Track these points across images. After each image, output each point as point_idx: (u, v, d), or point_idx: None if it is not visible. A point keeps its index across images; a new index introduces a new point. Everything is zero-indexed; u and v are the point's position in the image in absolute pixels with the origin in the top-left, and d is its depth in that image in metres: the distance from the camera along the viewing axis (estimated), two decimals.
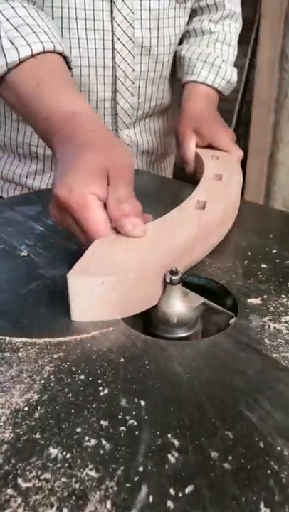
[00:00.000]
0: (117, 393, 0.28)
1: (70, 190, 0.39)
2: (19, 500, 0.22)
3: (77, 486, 0.22)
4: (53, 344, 0.33)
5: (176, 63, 0.84)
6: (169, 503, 0.21)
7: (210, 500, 0.22)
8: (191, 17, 0.84)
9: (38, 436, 0.25)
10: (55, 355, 0.32)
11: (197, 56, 0.80)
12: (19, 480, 0.23)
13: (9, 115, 0.78)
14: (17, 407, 0.27)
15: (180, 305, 0.37)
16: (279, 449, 0.25)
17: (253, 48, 2.53)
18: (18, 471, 0.23)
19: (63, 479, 0.23)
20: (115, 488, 0.22)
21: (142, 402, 0.28)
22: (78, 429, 0.26)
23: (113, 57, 0.71)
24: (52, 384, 0.29)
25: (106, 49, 0.70)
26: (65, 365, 0.31)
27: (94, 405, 0.27)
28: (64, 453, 0.24)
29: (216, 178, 0.57)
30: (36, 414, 0.27)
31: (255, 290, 0.41)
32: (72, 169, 0.41)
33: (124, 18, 0.69)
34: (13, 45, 0.52)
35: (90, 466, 0.23)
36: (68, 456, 0.24)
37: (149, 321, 0.37)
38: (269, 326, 0.35)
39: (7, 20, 0.53)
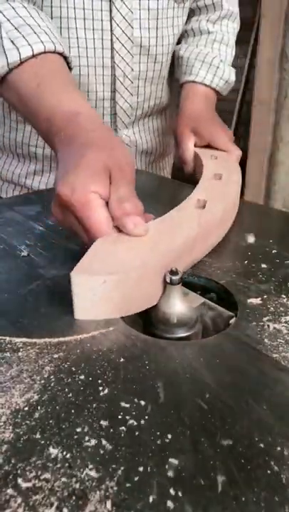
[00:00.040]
0: (117, 393, 0.28)
1: (73, 189, 0.39)
2: (19, 500, 0.22)
3: (77, 486, 0.22)
4: (53, 344, 0.33)
5: (175, 63, 0.84)
6: (169, 503, 0.21)
7: (210, 500, 0.22)
8: (189, 17, 0.84)
9: (38, 436, 0.25)
10: (55, 355, 0.32)
11: (195, 56, 0.80)
12: (19, 480, 0.23)
13: (8, 115, 0.78)
14: (17, 407, 0.27)
15: (180, 305, 0.37)
16: (279, 449, 0.25)
17: (253, 47, 2.53)
18: (18, 471, 0.23)
19: (63, 479, 0.23)
20: (115, 488, 0.22)
21: (142, 402, 0.28)
22: (78, 429, 0.26)
23: (112, 57, 0.71)
24: (52, 384, 0.29)
25: (105, 49, 0.70)
26: (65, 365, 0.31)
27: (94, 405, 0.27)
28: (64, 453, 0.24)
29: (215, 178, 0.57)
30: (36, 414, 0.27)
31: (255, 290, 0.41)
32: (74, 168, 0.41)
33: (123, 17, 0.69)
34: (15, 46, 0.52)
35: (90, 466, 0.23)
36: (68, 456, 0.24)
37: (149, 321, 0.37)
38: (269, 326, 0.35)
39: (8, 20, 0.53)
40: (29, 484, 0.22)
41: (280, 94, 1.81)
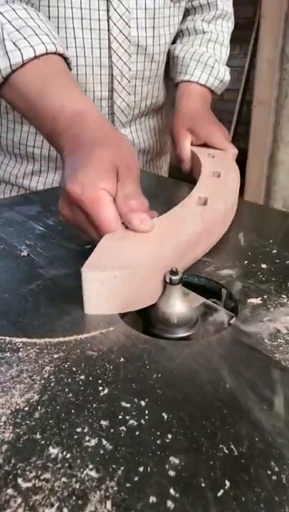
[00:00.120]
0: (117, 393, 0.28)
1: (83, 187, 0.40)
2: (19, 500, 0.22)
3: (77, 486, 0.22)
4: (53, 344, 0.33)
5: (170, 62, 0.84)
6: (169, 503, 0.21)
7: (210, 500, 0.22)
8: (184, 16, 0.84)
9: (38, 436, 0.25)
10: (56, 355, 0.32)
11: (190, 56, 0.80)
12: (19, 480, 0.23)
13: (5, 115, 0.78)
14: (17, 407, 0.27)
15: (180, 305, 0.37)
16: (279, 449, 0.25)
17: (253, 47, 2.53)
18: (18, 471, 0.23)
19: (63, 479, 0.23)
20: (115, 489, 0.22)
21: (142, 402, 0.28)
22: (78, 429, 0.26)
23: (110, 57, 0.72)
24: (52, 384, 0.29)
25: (102, 48, 0.71)
26: (65, 365, 0.31)
27: (94, 405, 0.27)
28: (64, 453, 0.24)
29: (214, 176, 0.57)
30: (36, 414, 0.27)
31: (256, 290, 0.41)
32: (83, 166, 0.41)
33: (121, 17, 0.69)
34: (17, 47, 0.52)
35: (90, 466, 0.23)
36: (68, 456, 0.24)
37: (149, 321, 0.37)
38: (269, 326, 0.35)
39: (9, 22, 0.53)
40: (29, 484, 0.22)
41: (280, 94, 1.81)
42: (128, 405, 0.27)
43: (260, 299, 0.39)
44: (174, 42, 0.85)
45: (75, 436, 0.25)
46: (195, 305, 0.38)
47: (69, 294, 0.40)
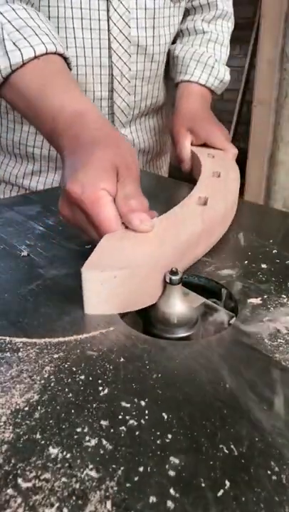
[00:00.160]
0: (117, 393, 0.28)
1: (83, 186, 0.40)
2: (19, 500, 0.22)
3: (77, 486, 0.22)
4: (53, 344, 0.33)
5: (170, 62, 0.84)
6: (169, 503, 0.21)
7: (210, 500, 0.22)
8: (184, 16, 0.85)
9: (38, 436, 0.25)
10: (56, 355, 0.32)
11: (190, 56, 0.80)
12: (19, 480, 0.23)
13: (5, 115, 0.78)
14: (17, 407, 0.27)
15: (180, 305, 0.37)
16: (279, 449, 0.25)
17: (253, 47, 2.53)
18: (18, 471, 0.23)
19: (63, 479, 0.23)
20: (115, 489, 0.22)
21: (142, 402, 0.28)
22: (78, 429, 0.26)
23: (110, 57, 0.72)
24: (52, 384, 0.29)
25: (102, 48, 0.71)
26: (65, 365, 0.31)
27: (94, 405, 0.27)
28: (64, 453, 0.24)
29: (214, 176, 0.58)
30: (36, 414, 0.27)
31: (256, 290, 0.41)
32: (83, 166, 0.42)
33: (121, 17, 0.69)
34: (17, 47, 0.52)
35: (90, 466, 0.23)
36: (68, 456, 0.24)
37: (149, 321, 0.37)
38: (269, 326, 0.35)
39: (9, 22, 0.53)
40: (29, 484, 0.22)
41: (280, 94, 1.81)
42: (128, 405, 0.27)
43: (260, 299, 0.39)
44: (174, 42, 0.85)
45: (75, 436, 0.25)
46: (195, 305, 0.38)
47: (69, 294, 0.40)
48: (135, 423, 0.26)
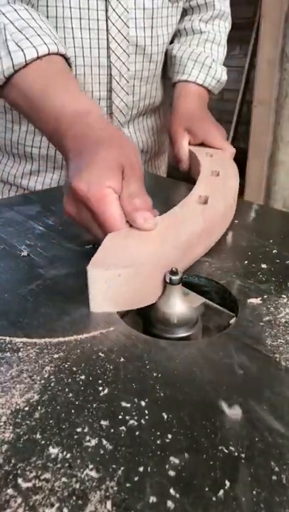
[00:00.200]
0: (117, 393, 0.28)
1: (89, 184, 0.40)
2: (19, 500, 0.22)
3: (77, 486, 0.22)
4: (53, 344, 0.33)
5: (168, 62, 0.85)
6: (169, 503, 0.21)
7: (210, 500, 0.22)
8: (181, 16, 0.85)
9: (38, 436, 0.25)
10: (56, 355, 0.32)
11: (188, 55, 0.81)
12: (19, 480, 0.23)
13: (3, 115, 0.78)
14: (17, 407, 0.27)
15: (180, 305, 0.37)
16: (279, 449, 0.25)
17: (254, 47, 2.53)
18: (19, 471, 0.23)
19: (63, 479, 0.23)
20: (115, 489, 0.22)
21: (142, 402, 0.28)
22: (78, 429, 0.26)
23: (108, 57, 0.72)
24: (52, 384, 0.29)
25: (101, 48, 0.71)
26: (66, 365, 0.31)
27: (94, 405, 0.27)
28: (64, 453, 0.24)
29: (213, 175, 0.58)
30: (36, 414, 0.27)
31: (256, 290, 0.41)
32: (89, 165, 0.42)
33: (119, 17, 0.69)
34: (19, 48, 0.52)
35: (91, 466, 0.23)
36: (68, 456, 0.24)
37: (149, 321, 0.37)
38: (269, 326, 0.35)
39: (11, 22, 0.54)
40: (29, 484, 0.22)
41: (280, 94, 1.81)
42: (128, 405, 0.27)
43: (260, 299, 0.39)
44: (171, 42, 0.85)
45: (75, 436, 0.25)
46: (195, 305, 0.38)
47: (69, 294, 0.40)
48: (135, 423, 0.26)
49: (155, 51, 0.78)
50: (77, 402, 0.28)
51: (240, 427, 0.26)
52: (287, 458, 0.24)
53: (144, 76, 0.78)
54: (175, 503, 0.21)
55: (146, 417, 0.26)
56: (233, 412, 0.27)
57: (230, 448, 0.24)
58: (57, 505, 0.21)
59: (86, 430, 0.26)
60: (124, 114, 0.78)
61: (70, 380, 0.29)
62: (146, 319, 0.38)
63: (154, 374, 0.30)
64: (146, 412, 0.27)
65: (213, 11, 0.85)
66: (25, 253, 0.47)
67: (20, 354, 0.32)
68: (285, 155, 1.87)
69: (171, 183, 0.76)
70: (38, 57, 0.53)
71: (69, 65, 0.58)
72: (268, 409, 0.27)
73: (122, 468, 0.23)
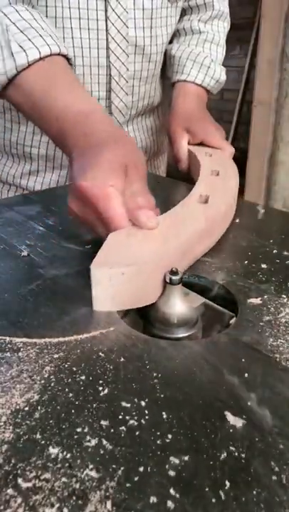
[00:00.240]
0: (117, 393, 0.28)
1: (93, 184, 0.41)
2: (19, 500, 0.22)
3: (77, 486, 0.22)
4: (53, 344, 0.33)
5: (166, 62, 0.85)
6: (169, 503, 0.21)
7: (210, 500, 0.22)
8: (180, 16, 0.85)
9: (38, 436, 0.25)
10: (56, 355, 0.32)
11: (187, 56, 0.81)
12: (19, 480, 0.23)
13: (2, 115, 0.78)
14: (17, 407, 0.27)
15: (180, 305, 0.37)
16: (279, 449, 0.25)
17: (254, 47, 2.53)
18: (19, 471, 0.23)
19: (63, 479, 0.23)
20: (116, 489, 0.22)
21: (142, 402, 0.28)
22: (78, 429, 0.26)
23: (107, 57, 0.72)
24: (52, 384, 0.29)
25: (100, 48, 0.71)
26: (66, 365, 0.31)
27: (94, 405, 0.27)
28: (64, 453, 0.24)
29: (213, 174, 0.58)
30: (36, 414, 0.27)
31: (256, 290, 0.41)
32: (94, 165, 0.43)
33: (118, 17, 0.69)
34: (22, 48, 0.53)
35: (91, 467, 0.23)
36: (68, 456, 0.24)
37: (149, 321, 0.37)
38: (269, 326, 0.35)
39: (13, 23, 0.54)
40: (29, 484, 0.22)
41: (280, 94, 1.81)
42: (128, 405, 0.27)
43: (260, 299, 0.39)
44: (170, 42, 0.85)
45: (75, 436, 0.25)
46: (195, 305, 0.38)
47: (69, 294, 0.40)
48: (135, 423, 0.26)
49: (154, 51, 0.78)
50: (77, 402, 0.28)
51: (240, 427, 0.26)
52: (287, 458, 0.24)
53: (143, 76, 0.79)
54: (175, 503, 0.21)
55: (147, 417, 0.26)
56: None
57: (231, 448, 0.24)
58: (57, 505, 0.21)
59: (86, 430, 0.26)
60: (123, 114, 0.78)
61: (70, 380, 0.29)
62: (146, 319, 0.38)
63: (154, 374, 0.30)
64: (147, 412, 0.27)
65: (212, 11, 0.85)
66: (25, 253, 0.47)
67: (20, 354, 0.32)
68: (285, 155, 1.87)
69: (170, 182, 0.76)
70: (41, 58, 0.54)
71: (70, 65, 0.59)
72: (268, 409, 0.27)
73: (122, 468, 0.23)
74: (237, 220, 0.56)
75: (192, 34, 0.85)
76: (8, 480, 0.22)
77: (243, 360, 0.32)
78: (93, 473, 0.23)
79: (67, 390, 0.29)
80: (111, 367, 0.31)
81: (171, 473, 0.23)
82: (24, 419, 0.26)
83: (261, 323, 0.36)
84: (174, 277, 0.36)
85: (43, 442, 0.25)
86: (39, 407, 0.27)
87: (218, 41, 0.86)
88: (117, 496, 0.22)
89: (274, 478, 0.23)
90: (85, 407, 0.27)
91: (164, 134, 0.91)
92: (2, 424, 0.26)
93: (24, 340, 0.33)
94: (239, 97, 2.74)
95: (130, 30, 0.72)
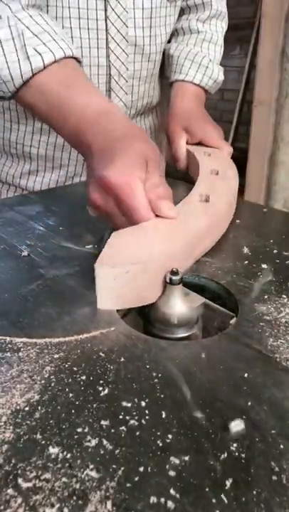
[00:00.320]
0: (117, 393, 0.28)
1: (120, 174, 0.43)
2: (19, 500, 0.22)
3: (77, 486, 0.22)
4: (53, 344, 0.33)
5: (165, 61, 0.85)
6: (170, 504, 0.21)
7: (210, 500, 0.22)
8: (179, 16, 0.85)
9: (38, 436, 0.25)
10: (56, 356, 0.32)
11: (185, 55, 0.81)
12: (19, 480, 0.23)
13: (2, 115, 0.78)
14: (18, 407, 0.27)
15: (180, 305, 0.37)
16: (279, 449, 0.25)
17: (254, 47, 2.52)
18: (19, 471, 0.23)
19: (64, 479, 0.23)
20: (116, 489, 0.22)
21: (143, 403, 0.28)
22: (79, 429, 0.26)
23: (107, 56, 0.72)
24: (52, 384, 0.29)
25: (100, 48, 0.71)
26: (66, 365, 0.31)
27: (94, 405, 0.27)
28: (64, 453, 0.24)
29: (212, 173, 0.58)
30: (37, 415, 0.27)
31: (256, 290, 0.41)
32: (120, 156, 0.44)
33: (118, 16, 0.70)
34: (37, 52, 0.54)
35: (91, 467, 0.23)
36: (69, 456, 0.24)
37: (149, 321, 0.37)
38: (269, 326, 0.35)
39: (27, 28, 0.55)
40: (29, 484, 0.22)
41: (280, 94, 1.81)
42: (128, 405, 0.27)
43: (260, 298, 0.39)
44: (168, 41, 0.85)
45: (76, 437, 0.25)
46: (195, 305, 0.38)
47: (69, 294, 0.40)
48: (136, 423, 0.26)
49: (154, 51, 0.78)
50: (77, 402, 0.28)
51: (240, 427, 0.26)
52: (287, 458, 0.24)
53: (142, 75, 0.79)
54: (175, 503, 0.21)
55: (147, 417, 0.26)
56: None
57: (231, 448, 0.24)
58: (57, 505, 0.21)
59: (86, 430, 0.26)
60: None
61: (70, 380, 0.29)
62: (146, 319, 0.38)
63: (155, 374, 0.30)
64: (147, 412, 0.27)
65: (211, 11, 0.85)
66: (25, 253, 0.47)
67: (20, 354, 0.32)
68: (285, 155, 1.87)
69: (169, 182, 0.76)
70: (55, 61, 0.55)
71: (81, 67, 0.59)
72: (268, 409, 0.27)
73: (122, 468, 0.23)
74: (237, 220, 0.56)
75: (190, 34, 0.85)
76: (9, 480, 0.23)
77: (244, 360, 0.32)
78: (93, 474, 0.23)
79: (67, 390, 0.29)
80: (111, 367, 0.31)
81: (172, 473, 0.23)
82: (24, 419, 0.26)
83: (261, 323, 0.36)
84: (174, 277, 0.36)
85: (43, 442, 0.25)
86: (39, 407, 0.27)
87: (216, 41, 0.86)
88: (117, 496, 0.22)
89: (274, 478, 0.23)
90: (86, 407, 0.27)
91: (163, 133, 0.92)
92: (2, 424, 0.26)
93: (24, 340, 0.33)
94: (239, 97, 2.74)
95: (130, 30, 0.72)
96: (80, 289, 0.40)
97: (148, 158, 0.45)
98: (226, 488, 0.22)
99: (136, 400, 0.28)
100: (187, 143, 0.73)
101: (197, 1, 0.84)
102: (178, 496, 0.22)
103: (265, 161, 1.91)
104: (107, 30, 0.70)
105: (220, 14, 0.87)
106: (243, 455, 0.24)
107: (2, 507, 0.21)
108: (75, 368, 0.30)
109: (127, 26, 0.71)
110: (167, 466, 0.23)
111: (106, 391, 0.28)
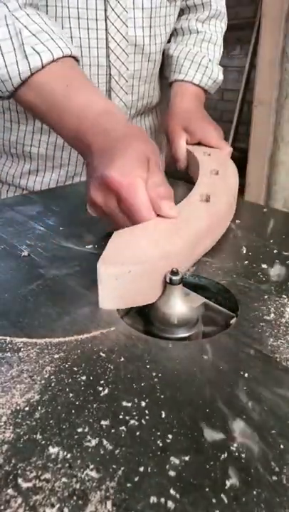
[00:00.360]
0: (117, 393, 0.28)
1: (122, 173, 0.42)
2: (20, 500, 0.22)
3: (77, 486, 0.22)
4: (53, 344, 0.33)
5: (164, 61, 0.85)
6: (170, 504, 0.21)
7: (210, 500, 0.22)
8: (178, 15, 0.85)
9: (38, 436, 0.25)
10: (56, 356, 0.32)
11: (185, 55, 0.81)
12: (19, 480, 0.23)
13: (1, 115, 0.78)
14: (18, 407, 0.27)
15: (181, 305, 0.37)
16: (279, 449, 0.25)
17: (254, 47, 2.52)
18: (19, 471, 0.23)
19: (64, 479, 0.23)
20: (116, 489, 0.22)
21: (143, 403, 0.28)
22: (79, 429, 0.26)
23: (107, 56, 0.72)
24: (52, 384, 0.29)
25: (100, 48, 0.71)
26: (66, 366, 0.31)
27: (94, 405, 0.27)
28: (64, 453, 0.24)
29: (212, 173, 0.58)
30: (37, 415, 0.27)
31: (256, 290, 0.41)
32: (122, 156, 0.44)
33: (118, 16, 0.70)
34: (35, 51, 0.54)
35: (91, 467, 0.23)
36: (69, 456, 0.24)
37: (149, 321, 0.37)
38: (269, 326, 0.35)
39: (25, 27, 0.55)
40: (29, 484, 0.22)
41: (280, 94, 1.81)
42: (129, 405, 0.27)
43: (260, 298, 0.39)
44: (168, 41, 0.85)
45: (76, 437, 0.25)
46: (195, 305, 0.38)
47: (69, 294, 0.40)
48: (136, 423, 0.26)
49: (153, 50, 0.78)
50: (77, 402, 0.28)
51: (240, 428, 0.26)
52: (287, 458, 0.24)
53: (142, 75, 0.79)
54: (175, 503, 0.21)
55: (147, 417, 0.26)
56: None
57: (231, 448, 0.24)
58: (57, 505, 0.21)
59: (86, 430, 0.26)
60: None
61: (70, 380, 0.29)
62: (146, 319, 0.38)
63: (155, 374, 0.30)
64: (147, 412, 0.27)
65: (210, 11, 0.85)
66: (25, 253, 0.47)
67: (20, 354, 0.32)
68: (286, 155, 1.87)
69: (169, 182, 0.76)
70: (53, 60, 0.55)
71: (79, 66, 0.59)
72: (268, 409, 0.27)
73: (122, 468, 0.23)
74: (237, 220, 0.56)
75: (190, 34, 0.85)
76: (9, 480, 0.23)
77: (243, 360, 0.32)
78: (93, 474, 0.23)
79: (67, 390, 0.29)
80: (111, 367, 0.31)
81: (172, 473, 0.23)
82: (24, 419, 0.26)
83: (261, 323, 0.36)
84: (174, 277, 0.36)
85: (43, 442, 0.25)
86: (39, 407, 0.27)
87: (215, 41, 0.86)
88: (117, 496, 0.22)
89: (274, 478, 0.23)
90: (86, 407, 0.27)
91: (162, 134, 0.92)
92: (2, 424, 0.26)
93: (24, 340, 0.33)
94: (239, 97, 2.74)
95: (130, 30, 0.72)
96: (80, 289, 0.40)
97: (148, 157, 0.45)
98: (226, 488, 0.22)
99: (136, 399, 0.28)
100: (187, 143, 0.73)
101: (196, 1, 0.84)
102: (178, 496, 0.22)
103: (265, 161, 1.91)
104: (107, 30, 0.70)
105: (219, 14, 0.87)
106: (243, 455, 0.24)
107: (2, 507, 0.21)
108: (75, 368, 0.30)
109: (126, 26, 0.71)
110: (167, 466, 0.23)
111: (106, 391, 0.28)
